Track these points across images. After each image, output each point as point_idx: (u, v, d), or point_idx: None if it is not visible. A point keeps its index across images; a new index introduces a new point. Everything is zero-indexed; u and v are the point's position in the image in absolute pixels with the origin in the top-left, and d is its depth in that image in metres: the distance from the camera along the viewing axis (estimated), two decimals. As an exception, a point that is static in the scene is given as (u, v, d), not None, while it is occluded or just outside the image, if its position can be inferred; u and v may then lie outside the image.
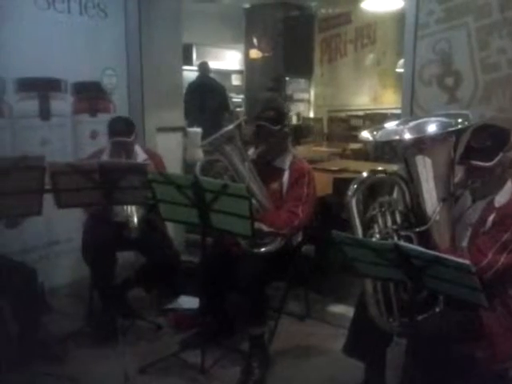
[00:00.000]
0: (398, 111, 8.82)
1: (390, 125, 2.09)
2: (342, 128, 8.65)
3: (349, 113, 8.98)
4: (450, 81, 2.46)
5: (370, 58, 9.23)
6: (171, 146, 4.13)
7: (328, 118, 8.83)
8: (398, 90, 9.94)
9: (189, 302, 3.22)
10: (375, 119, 8.45)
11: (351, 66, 9.28)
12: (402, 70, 9.02)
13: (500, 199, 1.96)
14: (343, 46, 9.22)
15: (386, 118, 8.49)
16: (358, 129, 8.33)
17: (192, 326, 2.93)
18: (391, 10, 6.16)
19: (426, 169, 1.90)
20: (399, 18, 8.26)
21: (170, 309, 3.25)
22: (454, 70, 2.44)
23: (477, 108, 2.21)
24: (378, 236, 1.97)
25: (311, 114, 8.89)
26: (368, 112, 8.82)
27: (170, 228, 3.36)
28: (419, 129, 1.95)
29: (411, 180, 1.97)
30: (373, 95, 9.82)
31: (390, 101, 9.95)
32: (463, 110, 2.27)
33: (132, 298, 3.18)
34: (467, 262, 1.49)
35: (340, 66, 9.16)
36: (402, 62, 9.01)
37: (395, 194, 2.64)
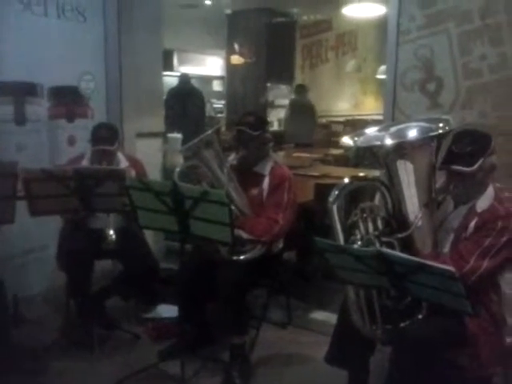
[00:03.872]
0: (379, 117, 8.92)
1: (371, 130, 2.06)
2: (323, 134, 8.67)
3: (330, 119, 9.03)
4: (431, 86, 2.45)
5: (350, 64, 9.30)
6: (151, 151, 4.06)
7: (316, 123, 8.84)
8: (379, 96, 10.11)
9: (168, 311, 3.15)
10: (356, 125, 8.50)
11: (332, 72, 9.33)
12: (382, 77, 9.15)
13: (481, 204, 1.95)
14: (324, 52, 9.28)
15: (367, 124, 8.53)
16: (339, 135, 8.39)
17: (171, 336, 2.87)
18: (372, 17, 6.19)
19: (407, 174, 1.88)
20: (379, 25, 8.34)
21: (149, 318, 3.18)
22: (435, 76, 2.44)
23: (458, 114, 2.19)
24: (359, 242, 1.94)
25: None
26: (349, 118, 8.88)
27: (149, 235, 3.30)
28: (400, 134, 1.93)
29: (392, 185, 1.95)
30: (354, 101, 9.89)
31: (371, 107, 10.04)
32: (445, 115, 2.26)
33: (109, 308, 3.10)
34: (451, 268, 1.47)
35: (321, 72, 9.21)
36: (382, 68, 9.21)
37: (377, 200, 2.64)
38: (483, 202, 1.94)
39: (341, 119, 8.90)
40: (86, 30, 3.65)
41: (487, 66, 2.34)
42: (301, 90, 7.68)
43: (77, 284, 2.86)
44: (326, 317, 3.17)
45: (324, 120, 8.94)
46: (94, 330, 2.83)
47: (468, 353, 1.98)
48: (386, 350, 2.14)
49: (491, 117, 2.33)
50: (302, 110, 7.46)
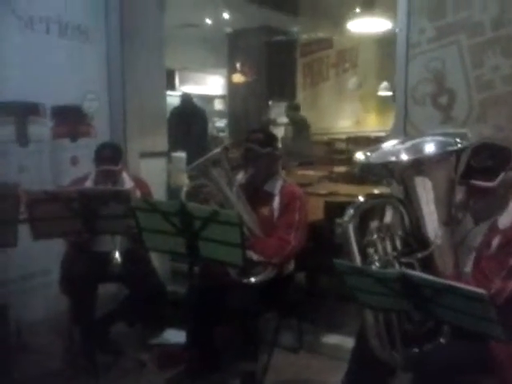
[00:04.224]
0: (381, 134, 8.93)
1: (386, 145, 1.99)
2: (325, 151, 8.64)
3: (332, 136, 8.99)
4: (443, 99, 2.39)
5: (352, 81, 9.30)
6: (155, 171, 4.00)
7: (311, 141, 8.81)
8: (380, 113, 10.12)
9: (175, 336, 3.06)
10: (358, 142, 8.47)
11: (333, 89, 9.33)
12: (383, 93, 9.15)
13: (503, 221, 1.87)
14: (325, 70, 9.29)
15: (369, 141, 8.55)
16: (342, 152, 8.35)
17: (179, 363, 2.76)
18: (375, 33, 6.19)
19: (425, 191, 1.80)
20: (380, 41, 8.41)
21: (156, 344, 3.07)
22: (447, 89, 2.38)
23: (474, 127, 2.12)
24: (377, 264, 1.86)
25: (295, 138, 8.84)
26: (351, 135, 8.84)
27: (154, 256, 3.21)
28: (417, 149, 1.86)
29: (410, 203, 1.87)
30: (355, 118, 9.87)
31: (373, 124, 10.03)
32: (461, 129, 2.19)
33: (114, 333, 3.00)
34: (483, 291, 1.38)
35: (322, 89, 9.21)
36: (383, 85, 9.20)
37: (387, 218, 2.55)
38: (505, 219, 1.86)
39: (343, 136, 8.87)
40: (88, 49, 3.62)
41: (500, 77, 2.29)
42: (295, 107, 7.65)
43: (80, 309, 2.78)
44: (338, 340, 3.09)
45: (326, 138, 8.91)
46: (98, 358, 2.73)
47: (494, 380, 1.88)
48: (405, 377, 2.04)
49: (507, 129, 2.26)
50: (299, 127, 7.43)
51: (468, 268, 1.92)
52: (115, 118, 3.80)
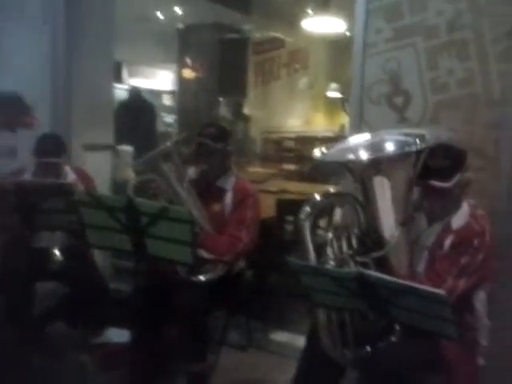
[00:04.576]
0: (330, 134, 9.04)
1: (343, 143, 1.96)
2: (274, 149, 8.68)
3: (281, 135, 9.03)
4: (399, 100, 2.40)
5: (303, 81, 9.37)
6: (100, 165, 3.83)
7: (261, 139, 8.82)
8: (329, 113, 10.26)
9: (118, 336, 2.93)
10: (307, 142, 8.57)
11: (284, 89, 9.36)
12: (332, 94, 9.29)
13: (457, 221, 1.88)
14: (277, 69, 9.29)
15: (317, 140, 8.66)
16: (291, 150, 8.41)
17: (122, 363, 2.64)
18: (327, 34, 6.24)
19: (383, 190, 1.78)
20: (331, 42, 8.52)
21: (98, 344, 2.93)
22: (403, 90, 2.39)
23: (431, 129, 2.13)
24: (332, 263, 1.82)
25: (245, 135, 8.82)
26: (300, 135, 8.92)
27: (97, 253, 3.07)
28: (377, 148, 1.84)
29: (367, 202, 1.85)
30: (305, 118, 9.96)
31: (321, 124, 10.17)
32: (414, 130, 2.20)
33: (52, 334, 2.85)
34: (442, 291, 1.37)
35: (273, 88, 9.20)
36: (332, 86, 9.33)
37: (337, 217, 2.54)
38: (459, 219, 1.88)
39: (292, 135, 8.93)
40: (33, 36, 3.41)
41: (455, 80, 2.31)
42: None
43: (16, 308, 2.63)
44: (287, 338, 3.09)
45: (275, 136, 8.94)
46: (35, 360, 2.60)
47: (441, 376, 1.90)
48: (356, 376, 2.03)
49: (460, 132, 2.29)
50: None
51: (421, 268, 1.93)
52: (58, 108, 3.60)
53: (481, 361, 2.00)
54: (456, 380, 1.88)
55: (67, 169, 2.86)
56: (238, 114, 7.56)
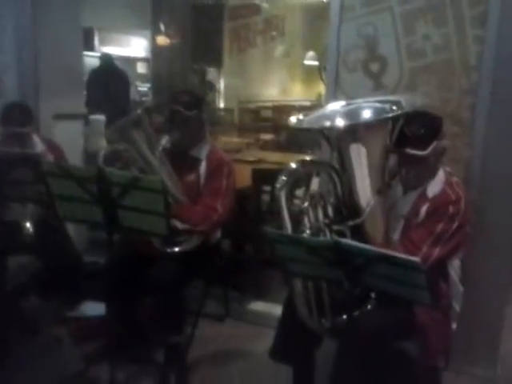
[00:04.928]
0: (307, 103, 8.96)
1: (320, 111, 1.92)
2: (252, 119, 8.60)
3: (259, 104, 8.93)
4: (375, 67, 2.35)
5: (279, 49, 9.21)
6: (71, 135, 3.73)
7: (238, 108, 8.71)
8: (306, 82, 10.16)
9: (94, 309, 2.88)
10: (284, 111, 8.50)
11: (260, 57, 9.19)
12: (309, 63, 9.18)
13: (433, 189, 1.88)
14: (252, 36, 9.10)
15: (294, 109, 8.59)
16: (268, 120, 8.34)
17: (98, 337, 2.62)
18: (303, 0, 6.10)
19: (360, 158, 1.75)
20: (307, 11, 8.36)
21: (73, 317, 2.90)
22: (379, 56, 2.34)
23: (402, 95, 2.10)
24: (308, 231, 1.81)
25: (221, 105, 8.70)
26: (277, 104, 8.83)
27: (70, 225, 3.01)
28: (353, 114, 1.80)
29: (344, 170, 1.82)
30: (282, 87, 9.85)
31: (299, 93, 10.07)
32: (391, 96, 2.17)
33: (27, 308, 2.81)
34: (417, 259, 1.36)
35: (249, 57, 9.04)
36: (310, 54, 9.20)
37: (314, 186, 2.52)
38: (434, 187, 1.87)
39: (269, 105, 8.84)
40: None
41: (431, 46, 2.27)
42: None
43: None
44: (264, 307, 3.09)
45: (253, 105, 8.84)
46: (9, 335, 2.55)
47: (417, 342, 1.93)
48: (332, 343, 2.04)
49: (435, 98, 2.26)
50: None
51: (396, 236, 1.92)
52: (25, 76, 3.47)
53: (454, 325, 2.03)
54: (431, 344, 1.91)
55: (35, 138, 2.77)
56: (203, 82, 7.38)
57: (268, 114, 8.63)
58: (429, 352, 1.93)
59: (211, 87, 7.59)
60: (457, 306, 2.02)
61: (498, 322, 2.37)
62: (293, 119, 1.85)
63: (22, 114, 2.64)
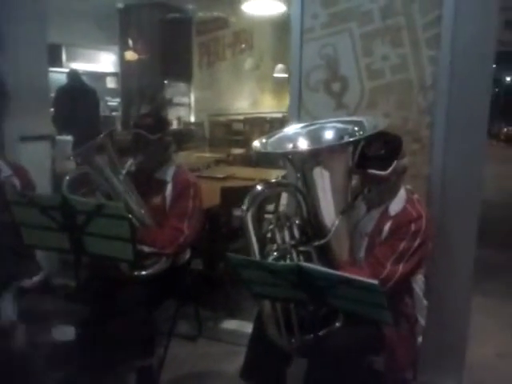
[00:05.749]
0: (277, 115, 9.01)
1: (284, 132, 1.95)
2: (223, 132, 8.61)
3: (230, 117, 8.96)
4: (336, 86, 2.40)
5: (248, 62, 9.29)
6: (37, 157, 3.66)
7: (209, 122, 8.73)
8: (276, 94, 10.24)
9: (65, 333, 2.84)
10: (255, 123, 8.55)
11: (230, 70, 9.26)
12: (279, 75, 9.25)
13: (394, 207, 1.92)
14: (222, 50, 9.16)
15: (265, 121, 8.64)
16: (240, 133, 8.36)
17: (70, 361, 2.58)
18: (270, 15, 6.17)
19: (323, 180, 1.79)
20: (275, 23, 8.45)
21: (45, 343, 2.84)
22: (340, 76, 2.39)
23: (363, 116, 2.15)
24: (275, 253, 1.83)
25: (192, 119, 8.70)
26: (248, 116, 8.88)
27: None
28: (316, 137, 1.84)
29: (308, 191, 1.85)
30: (252, 99, 9.92)
31: (269, 105, 10.16)
32: (351, 116, 2.22)
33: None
34: (375, 282, 1.39)
35: (219, 70, 9.09)
36: (279, 67, 9.29)
37: (284, 201, 2.55)
38: (396, 205, 1.92)
39: (240, 117, 8.88)
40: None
41: (389, 66, 2.33)
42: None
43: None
44: (236, 325, 3.08)
45: (224, 118, 8.86)
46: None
47: (384, 357, 1.96)
48: (302, 362, 2.05)
49: (394, 117, 2.32)
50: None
51: (361, 254, 1.96)
52: (-12, 96, 3.42)
53: (420, 339, 2.08)
54: (398, 358, 1.95)
55: (1, 163, 2.72)
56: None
57: (239, 126, 8.65)
58: (397, 365, 1.96)
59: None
60: (422, 320, 2.06)
61: (463, 334, 2.42)
62: (256, 143, 1.88)
63: None
